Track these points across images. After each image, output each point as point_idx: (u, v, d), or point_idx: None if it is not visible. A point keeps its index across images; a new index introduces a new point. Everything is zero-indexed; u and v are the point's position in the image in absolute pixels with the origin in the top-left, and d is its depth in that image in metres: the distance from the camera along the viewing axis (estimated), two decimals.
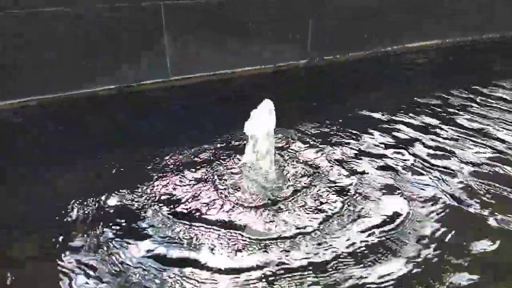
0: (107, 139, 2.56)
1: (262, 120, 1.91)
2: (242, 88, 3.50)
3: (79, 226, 1.76)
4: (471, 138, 2.56)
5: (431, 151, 2.41)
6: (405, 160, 2.31)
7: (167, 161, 2.25)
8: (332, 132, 2.63)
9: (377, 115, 2.90)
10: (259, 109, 1.93)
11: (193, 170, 2.17)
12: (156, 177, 2.10)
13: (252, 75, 3.73)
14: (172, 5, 3.24)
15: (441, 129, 2.70)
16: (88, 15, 2.98)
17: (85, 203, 1.89)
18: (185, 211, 1.85)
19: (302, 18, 3.88)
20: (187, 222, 1.77)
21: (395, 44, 4.53)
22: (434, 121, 2.81)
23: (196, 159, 2.28)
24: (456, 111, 2.99)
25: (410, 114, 2.91)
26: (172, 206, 1.88)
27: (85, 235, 1.70)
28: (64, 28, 2.94)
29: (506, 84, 3.53)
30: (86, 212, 1.84)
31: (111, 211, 1.86)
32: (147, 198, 1.94)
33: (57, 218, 1.80)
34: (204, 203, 1.90)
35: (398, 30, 4.51)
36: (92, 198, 1.92)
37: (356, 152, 2.38)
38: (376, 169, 2.20)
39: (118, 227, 1.75)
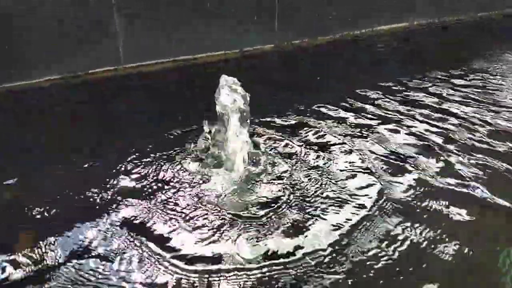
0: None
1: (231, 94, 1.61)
2: (204, 75, 3.17)
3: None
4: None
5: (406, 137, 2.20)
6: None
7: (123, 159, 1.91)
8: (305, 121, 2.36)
9: (353, 101, 2.64)
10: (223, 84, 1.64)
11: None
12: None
13: (216, 61, 3.41)
14: None
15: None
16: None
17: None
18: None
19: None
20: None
21: (364, 27, 4.36)
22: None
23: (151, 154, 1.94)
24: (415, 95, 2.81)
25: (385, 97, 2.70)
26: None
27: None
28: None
29: None
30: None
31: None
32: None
33: None
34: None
35: (368, 12, 4.34)
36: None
37: (331, 140, 2.12)
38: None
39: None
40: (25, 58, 2.70)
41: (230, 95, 1.58)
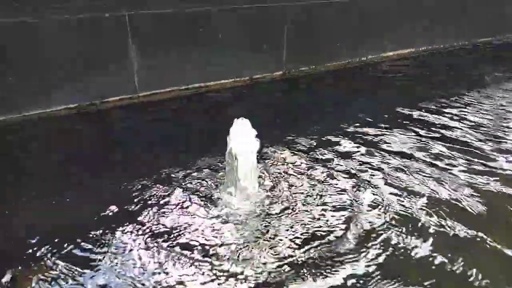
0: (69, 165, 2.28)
1: (244, 139, 1.69)
2: (216, 102, 3.27)
3: None
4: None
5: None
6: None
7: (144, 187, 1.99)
8: (313, 147, 2.44)
9: (365, 129, 2.73)
10: (237, 128, 1.73)
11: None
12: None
13: (227, 88, 3.51)
14: (138, 15, 3.00)
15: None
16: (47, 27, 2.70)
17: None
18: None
19: (276, 28, 3.72)
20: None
21: (372, 53, 4.45)
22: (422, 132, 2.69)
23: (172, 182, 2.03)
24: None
25: (396, 126, 2.77)
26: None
27: None
28: (18, 42, 2.65)
29: None
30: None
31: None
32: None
33: None
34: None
35: (375, 40, 4.44)
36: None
37: (345, 167, 2.20)
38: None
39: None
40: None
41: (241, 143, 1.67)
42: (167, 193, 1.93)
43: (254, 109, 3.05)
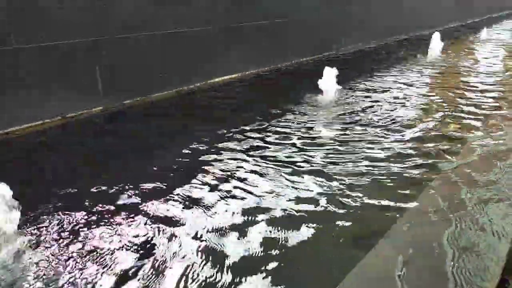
0: None
1: None
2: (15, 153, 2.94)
3: None
4: None
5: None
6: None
7: None
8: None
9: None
10: None
11: None
12: None
13: (34, 132, 3.22)
14: None
15: None
16: None
17: None
18: None
19: (87, 62, 3.57)
20: None
21: (197, 81, 4.57)
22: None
23: None
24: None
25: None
26: None
27: None
28: None
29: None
30: None
31: None
32: None
33: None
34: None
35: (199, 68, 4.58)
36: None
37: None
38: None
39: None
40: None
41: None
42: None
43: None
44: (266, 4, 5.32)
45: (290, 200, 2.13)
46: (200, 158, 2.68)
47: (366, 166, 2.48)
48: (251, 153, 2.74)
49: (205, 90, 4.51)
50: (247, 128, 3.23)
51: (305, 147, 2.82)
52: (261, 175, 2.42)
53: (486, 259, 1.58)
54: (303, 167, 2.51)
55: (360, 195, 2.14)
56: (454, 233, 1.75)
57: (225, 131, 3.16)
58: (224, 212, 2.05)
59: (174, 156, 2.75)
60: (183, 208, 2.09)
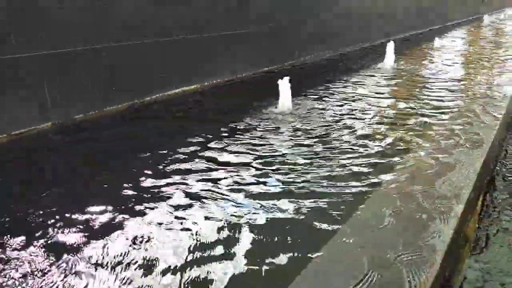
0: None
1: None
2: None
3: None
4: None
5: None
6: None
7: None
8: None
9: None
10: None
11: None
12: None
13: None
14: None
15: None
16: None
17: None
18: None
19: (34, 77, 3.45)
20: None
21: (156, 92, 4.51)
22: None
23: None
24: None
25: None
26: None
27: None
28: None
29: None
30: None
31: None
32: None
33: None
34: None
35: (158, 78, 4.52)
36: None
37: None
38: None
39: None
40: None
41: None
42: None
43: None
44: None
45: None
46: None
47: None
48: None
49: (162, 102, 4.46)
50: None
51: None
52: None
53: None
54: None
55: None
56: None
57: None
58: None
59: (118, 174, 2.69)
60: None
